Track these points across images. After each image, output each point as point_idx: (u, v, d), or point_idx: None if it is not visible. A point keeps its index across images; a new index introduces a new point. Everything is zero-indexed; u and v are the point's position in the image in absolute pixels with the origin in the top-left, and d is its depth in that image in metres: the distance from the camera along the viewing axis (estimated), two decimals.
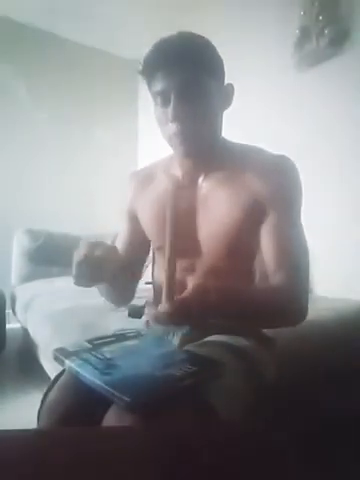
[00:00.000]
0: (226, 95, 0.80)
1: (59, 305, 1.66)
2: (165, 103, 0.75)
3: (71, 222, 2.85)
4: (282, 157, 0.81)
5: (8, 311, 2.37)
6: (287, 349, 0.98)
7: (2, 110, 2.83)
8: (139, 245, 0.95)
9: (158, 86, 0.74)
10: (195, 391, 0.59)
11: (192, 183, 0.84)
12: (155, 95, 0.76)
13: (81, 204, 3.04)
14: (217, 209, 0.80)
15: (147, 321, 0.90)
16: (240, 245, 0.80)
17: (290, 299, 0.73)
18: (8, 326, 2.29)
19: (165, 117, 0.75)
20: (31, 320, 1.86)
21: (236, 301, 0.67)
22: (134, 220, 0.94)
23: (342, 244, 1.78)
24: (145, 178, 0.93)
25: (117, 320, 1.11)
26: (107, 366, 0.61)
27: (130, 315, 0.92)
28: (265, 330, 0.89)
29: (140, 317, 0.91)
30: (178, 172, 0.86)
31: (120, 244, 0.96)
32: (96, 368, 0.60)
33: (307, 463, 0.44)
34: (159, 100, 0.76)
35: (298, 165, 0.80)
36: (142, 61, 0.75)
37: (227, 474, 0.37)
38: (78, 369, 0.61)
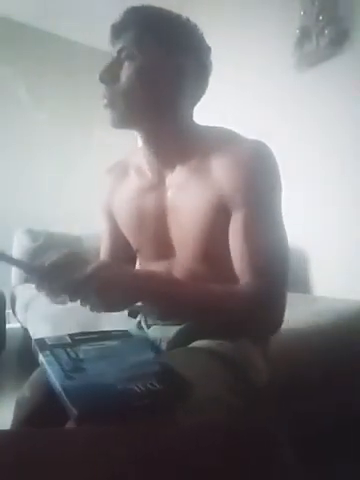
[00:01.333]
0: (194, 77, 0.72)
1: (59, 305, 1.65)
2: None
3: (71, 222, 2.85)
4: (256, 142, 0.71)
5: (8, 311, 2.37)
6: (286, 349, 0.98)
7: (2, 110, 2.83)
8: (124, 249, 0.88)
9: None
10: (155, 410, 0.54)
11: (161, 178, 0.77)
12: None
13: (81, 204, 3.04)
14: (186, 208, 0.73)
15: (138, 322, 0.89)
16: (215, 245, 0.73)
17: (255, 304, 0.66)
18: (8, 326, 2.29)
19: None
20: (31, 320, 1.86)
21: (170, 291, 0.65)
22: (112, 220, 0.89)
23: (342, 244, 1.78)
24: (120, 174, 0.87)
25: (116, 320, 1.10)
26: (74, 369, 0.58)
27: (130, 315, 0.92)
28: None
29: (136, 316, 0.91)
30: (147, 167, 0.80)
31: (104, 250, 0.91)
32: (63, 369, 0.58)
33: (306, 464, 0.44)
34: None
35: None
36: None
37: (226, 476, 0.37)
38: (47, 367, 0.59)
